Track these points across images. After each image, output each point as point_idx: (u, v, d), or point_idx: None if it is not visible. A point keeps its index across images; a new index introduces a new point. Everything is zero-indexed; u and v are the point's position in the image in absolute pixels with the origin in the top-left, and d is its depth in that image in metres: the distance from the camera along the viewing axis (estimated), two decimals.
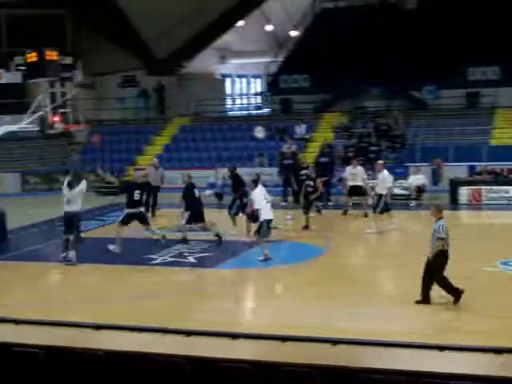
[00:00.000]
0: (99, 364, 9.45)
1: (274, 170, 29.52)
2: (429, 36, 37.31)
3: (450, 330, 12.51)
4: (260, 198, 19.02)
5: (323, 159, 27.77)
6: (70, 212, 19.00)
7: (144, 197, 20.33)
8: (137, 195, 19.83)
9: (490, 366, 9.52)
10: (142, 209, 20.10)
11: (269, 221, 18.86)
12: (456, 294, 13.56)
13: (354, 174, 24.97)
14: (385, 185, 21.94)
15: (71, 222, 19.03)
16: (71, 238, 18.88)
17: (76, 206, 19.02)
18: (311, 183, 23.23)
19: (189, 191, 20.75)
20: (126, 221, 19.91)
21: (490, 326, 12.21)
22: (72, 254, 18.70)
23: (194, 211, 20.48)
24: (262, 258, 18.43)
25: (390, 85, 36.05)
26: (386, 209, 21.85)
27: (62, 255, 18.95)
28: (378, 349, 9.32)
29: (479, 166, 28.83)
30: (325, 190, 27.07)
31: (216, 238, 20.31)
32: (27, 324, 10.90)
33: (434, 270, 13.54)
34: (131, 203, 19.84)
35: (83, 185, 19.22)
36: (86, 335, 10.19)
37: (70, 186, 19.03)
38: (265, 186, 28.30)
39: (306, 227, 22.46)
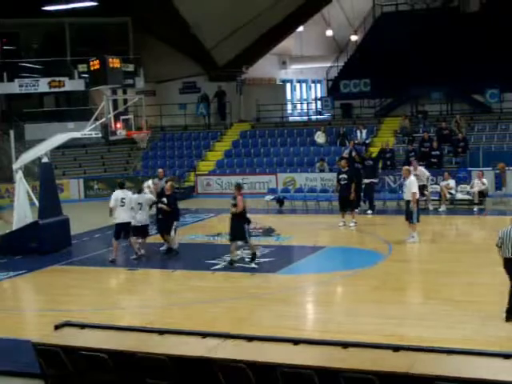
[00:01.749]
0: (163, 369, 9.57)
1: (335, 174, 29.18)
2: (491, 38, 36.82)
3: None
4: (115, 199, 20.11)
5: (368, 162, 27.56)
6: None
7: None
8: None
9: None
10: None
11: (122, 224, 19.88)
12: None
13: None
14: (411, 190, 20.89)
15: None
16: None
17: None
18: (233, 202, 18.66)
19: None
20: None
21: None
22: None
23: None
24: (112, 257, 19.92)
25: (452, 88, 35.69)
26: (409, 217, 20.87)
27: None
28: (441, 356, 9.23)
29: None
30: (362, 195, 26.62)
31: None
32: (92, 328, 11.04)
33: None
34: None
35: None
36: (150, 340, 10.30)
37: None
38: (325, 191, 28.40)
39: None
